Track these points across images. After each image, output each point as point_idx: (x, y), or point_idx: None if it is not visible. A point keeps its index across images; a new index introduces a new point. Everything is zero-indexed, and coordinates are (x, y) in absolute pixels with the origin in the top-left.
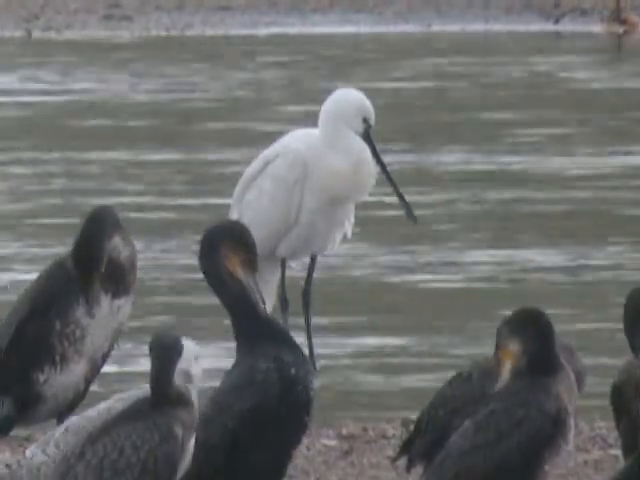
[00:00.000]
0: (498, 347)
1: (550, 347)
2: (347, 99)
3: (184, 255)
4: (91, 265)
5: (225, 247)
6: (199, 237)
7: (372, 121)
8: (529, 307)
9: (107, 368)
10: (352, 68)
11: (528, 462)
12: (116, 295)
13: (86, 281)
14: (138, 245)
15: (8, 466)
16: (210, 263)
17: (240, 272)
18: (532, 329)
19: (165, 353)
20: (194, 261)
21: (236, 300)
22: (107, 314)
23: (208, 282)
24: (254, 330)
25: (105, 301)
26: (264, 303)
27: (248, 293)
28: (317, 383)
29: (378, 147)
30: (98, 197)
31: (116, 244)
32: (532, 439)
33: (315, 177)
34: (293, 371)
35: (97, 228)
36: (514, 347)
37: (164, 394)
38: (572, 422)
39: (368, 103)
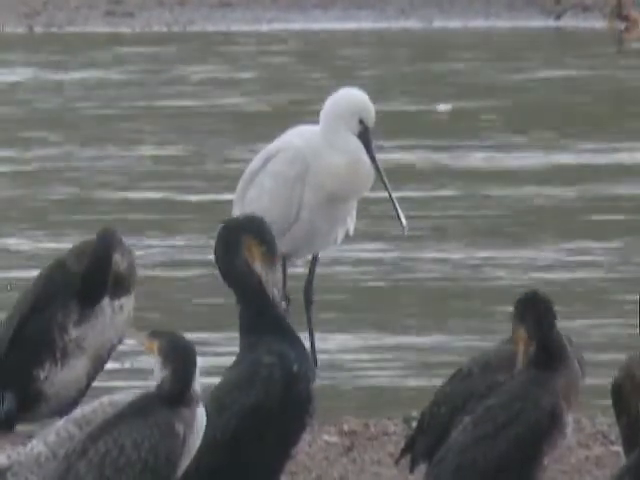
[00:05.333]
0: (512, 330)
1: (548, 330)
2: (346, 99)
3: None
4: (97, 291)
5: (247, 240)
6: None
7: (370, 122)
8: (532, 291)
9: (108, 365)
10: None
11: (527, 455)
12: (115, 295)
13: (88, 296)
14: None
15: (8, 456)
16: (228, 253)
17: (260, 266)
18: (532, 314)
19: (188, 355)
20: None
21: (250, 292)
22: (109, 312)
23: (222, 272)
24: (260, 324)
25: (105, 301)
26: (282, 300)
27: (263, 287)
28: (315, 381)
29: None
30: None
31: (116, 260)
32: (528, 432)
33: (314, 174)
34: (296, 368)
35: (104, 257)
36: (522, 331)
37: (184, 395)
38: (568, 417)
39: (368, 105)
